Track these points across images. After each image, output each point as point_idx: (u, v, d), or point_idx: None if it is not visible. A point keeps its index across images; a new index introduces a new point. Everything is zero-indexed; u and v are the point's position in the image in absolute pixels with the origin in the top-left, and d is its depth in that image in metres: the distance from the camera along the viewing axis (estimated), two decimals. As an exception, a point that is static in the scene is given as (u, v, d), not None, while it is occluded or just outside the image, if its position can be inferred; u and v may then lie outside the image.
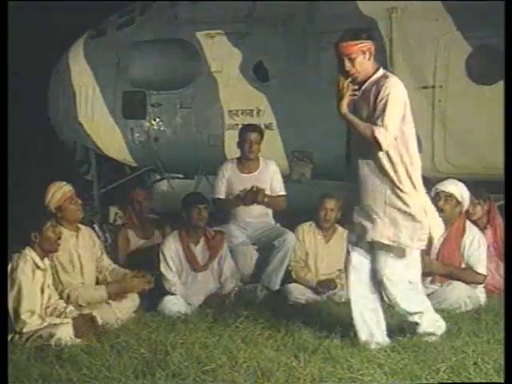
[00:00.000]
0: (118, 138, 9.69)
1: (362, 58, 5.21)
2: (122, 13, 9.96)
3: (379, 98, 5.14)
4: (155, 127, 9.57)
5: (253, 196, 7.48)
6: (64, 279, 6.13)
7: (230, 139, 8.72)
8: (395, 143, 5.16)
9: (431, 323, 5.40)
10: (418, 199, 5.25)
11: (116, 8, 10.12)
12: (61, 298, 5.95)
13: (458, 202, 6.71)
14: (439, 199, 6.65)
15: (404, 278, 5.31)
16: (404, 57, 8.60)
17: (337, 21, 8.68)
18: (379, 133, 5.09)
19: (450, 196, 6.68)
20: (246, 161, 7.68)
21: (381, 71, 5.29)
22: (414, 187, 5.23)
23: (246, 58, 9.17)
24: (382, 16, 8.69)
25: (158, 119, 9.56)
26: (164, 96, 9.51)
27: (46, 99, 10.18)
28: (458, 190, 6.72)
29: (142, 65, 9.53)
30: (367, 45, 5.23)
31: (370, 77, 5.25)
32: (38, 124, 11.01)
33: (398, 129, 5.15)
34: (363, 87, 5.27)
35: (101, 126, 9.75)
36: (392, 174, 5.19)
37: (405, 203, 5.20)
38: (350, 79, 5.21)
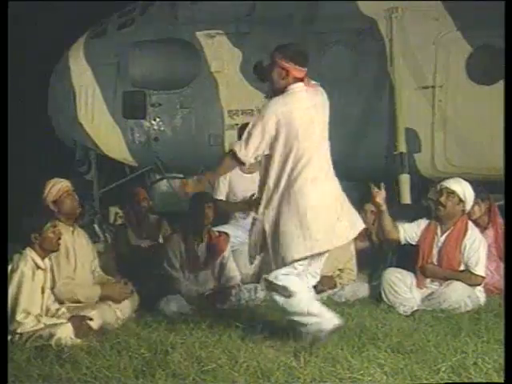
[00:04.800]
0: (118, 137, 9.68)
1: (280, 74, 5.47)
2: (121, 13, 9.96)
3: None
4: (155, 127, 9.57)
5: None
6: (58, 275, 6.08)
7: (230, 139, 8.71)
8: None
9: None
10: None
11: (116, 8, 10.11)
12: (53, 294, 5.91)
13: (461, 201, 6.70)
14: (441, 195, 6.70)
15: None
16: (404, 57, 8.60)
17: (337, 21, 8.71)
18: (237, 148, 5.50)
19: (452, 193, 6.69)
20: (246, 160, 7.66)
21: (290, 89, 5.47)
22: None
23: (246, 58, 9.17)
24: (382, 16, 8.70)
25: (158, 119, 9.56)
26: (164, 96, 9.50)
27: (46, 99, 10.18)
28: (461, 188, 6.72)
29: (142, 65, 9.52)
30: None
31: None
32: (38, 124, 10.99)
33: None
34: None
35: (101, 125, 9.74)
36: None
37: None
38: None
